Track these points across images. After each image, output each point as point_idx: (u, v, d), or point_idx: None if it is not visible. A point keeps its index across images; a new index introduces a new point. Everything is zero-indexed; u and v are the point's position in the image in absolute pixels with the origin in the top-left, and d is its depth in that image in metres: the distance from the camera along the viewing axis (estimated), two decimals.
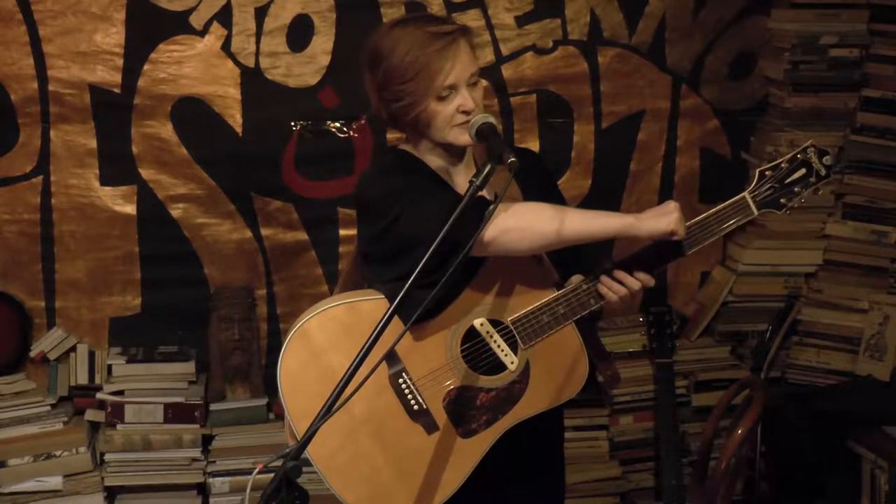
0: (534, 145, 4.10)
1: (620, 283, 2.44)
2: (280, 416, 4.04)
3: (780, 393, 4.16)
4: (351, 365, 2.08)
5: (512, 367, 2.47)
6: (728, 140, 4.28)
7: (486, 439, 2.47)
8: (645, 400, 4.17)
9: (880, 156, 4.14)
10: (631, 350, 4.19)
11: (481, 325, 2.46)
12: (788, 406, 4.05)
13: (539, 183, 2.62)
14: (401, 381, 2.43)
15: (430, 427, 2.45)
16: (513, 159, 2.25)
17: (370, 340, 2.10)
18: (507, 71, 4.08)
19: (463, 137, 2.44)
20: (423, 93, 2.40)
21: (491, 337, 2.47)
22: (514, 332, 2.46)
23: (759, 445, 4.07)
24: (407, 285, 2.13)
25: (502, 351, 2.47)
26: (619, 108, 4.18)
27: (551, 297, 2.46)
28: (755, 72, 4.24)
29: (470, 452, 2.46)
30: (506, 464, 2.52)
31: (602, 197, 4.19)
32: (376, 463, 2.43)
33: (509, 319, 2.46)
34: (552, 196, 2.67)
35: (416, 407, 2.44)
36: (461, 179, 2.52)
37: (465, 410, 2.46)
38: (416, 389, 2.44)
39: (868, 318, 4.20)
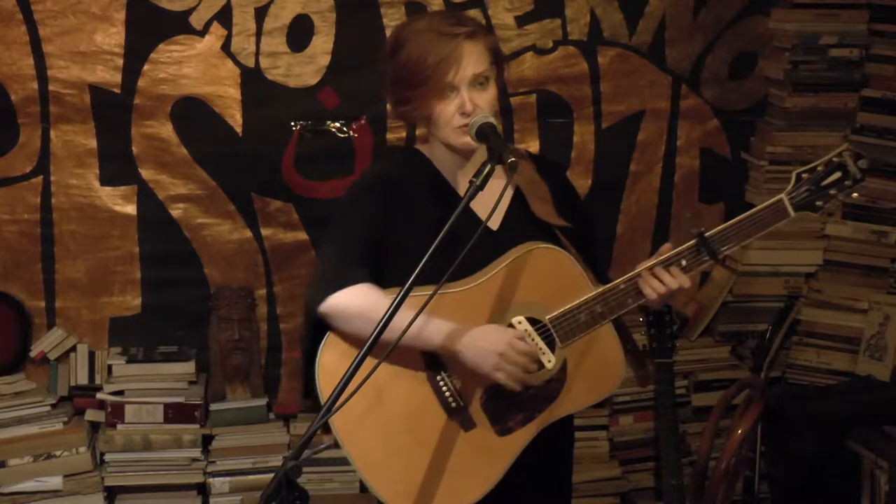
0: (534, 145, 4.09)
1: (661, 281, 2.44)
2: (280, 417, 4.05)
3: (780, 393, 4.16)
4: (353, 362, 2.09)
5: (549, 366, 2.47)
6: (728, 140, 4.28)
7: (522, 437, 2.47)
8: (645, 400, 4.17)
9: (880, 156, 4.14)
10: None
11: (519, 323, 2.46)
12: (788, 406, 4.05)
13: (567, 201, 2.63)
14: (438, 377, 2.44)
15: (467, 424, 2.45)
16: (512, 159, 2.25)
17: (375, 333, 2.12)
18: (507, 71, 4.06)
19: (461, 140, 2.45)
20: (424, 98, 2.42)
21: (529, 335, 2.46)
22: (552, 330, 2.46)
23: (759, 445, 4.07)
24: (404, 290, 2.13)
25: (540, 349, 2.46)
26: (619, 108, 4.17)
27: (589, 295, 2.46)
28: (755, 72, 4.23)
29: (506, 450, 2.46)
30: (515, 465, 2.51)
31: (602, 197, 4.19)
32: (413, 459, 2.43)
33: (547, 318, 2.46)
34: (580, 216, 2.66)
35: (453, 404, 2.44)
36: (464, 180, 2.52)
37: (501, 408, 2.46)
38: (454, 387, 2.44)
39: (868, 318, 4.20)
